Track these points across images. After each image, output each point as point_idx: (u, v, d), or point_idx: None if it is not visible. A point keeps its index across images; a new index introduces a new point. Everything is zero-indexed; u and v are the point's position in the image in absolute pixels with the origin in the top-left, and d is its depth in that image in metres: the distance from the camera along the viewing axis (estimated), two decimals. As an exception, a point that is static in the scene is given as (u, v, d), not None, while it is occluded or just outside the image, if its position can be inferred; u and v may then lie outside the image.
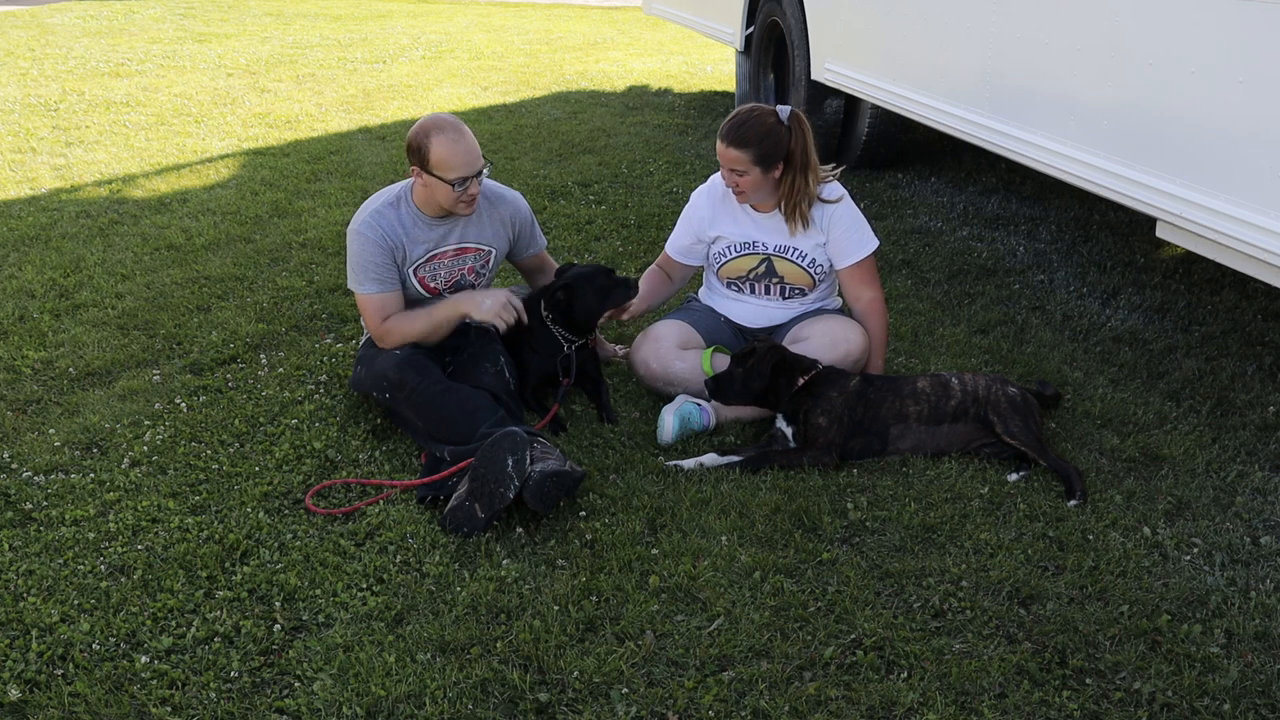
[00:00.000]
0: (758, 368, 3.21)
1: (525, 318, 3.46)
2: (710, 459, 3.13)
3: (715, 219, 3.57)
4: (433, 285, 3.47)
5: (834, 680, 2.29)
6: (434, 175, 3.26)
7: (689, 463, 3.12)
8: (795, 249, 3.52)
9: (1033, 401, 3.24)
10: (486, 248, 3.53)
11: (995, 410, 3.16)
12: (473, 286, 3.56)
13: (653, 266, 3.78)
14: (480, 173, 3.31)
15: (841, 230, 3.50)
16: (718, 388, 3.25)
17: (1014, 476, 3.03)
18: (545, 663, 2.33)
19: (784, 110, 3.40)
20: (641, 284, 3.64)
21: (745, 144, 3.32)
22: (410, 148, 3.30)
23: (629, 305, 3.54)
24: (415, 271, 3.42)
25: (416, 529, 2.82)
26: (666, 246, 3.74)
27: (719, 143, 3.37)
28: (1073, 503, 2.93)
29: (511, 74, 10.16)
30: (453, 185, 3.25)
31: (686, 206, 3.67)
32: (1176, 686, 2.27)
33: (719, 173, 3.60)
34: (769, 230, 3.53)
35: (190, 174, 6.47)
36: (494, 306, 3.38)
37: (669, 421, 3.27)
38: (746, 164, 3.34)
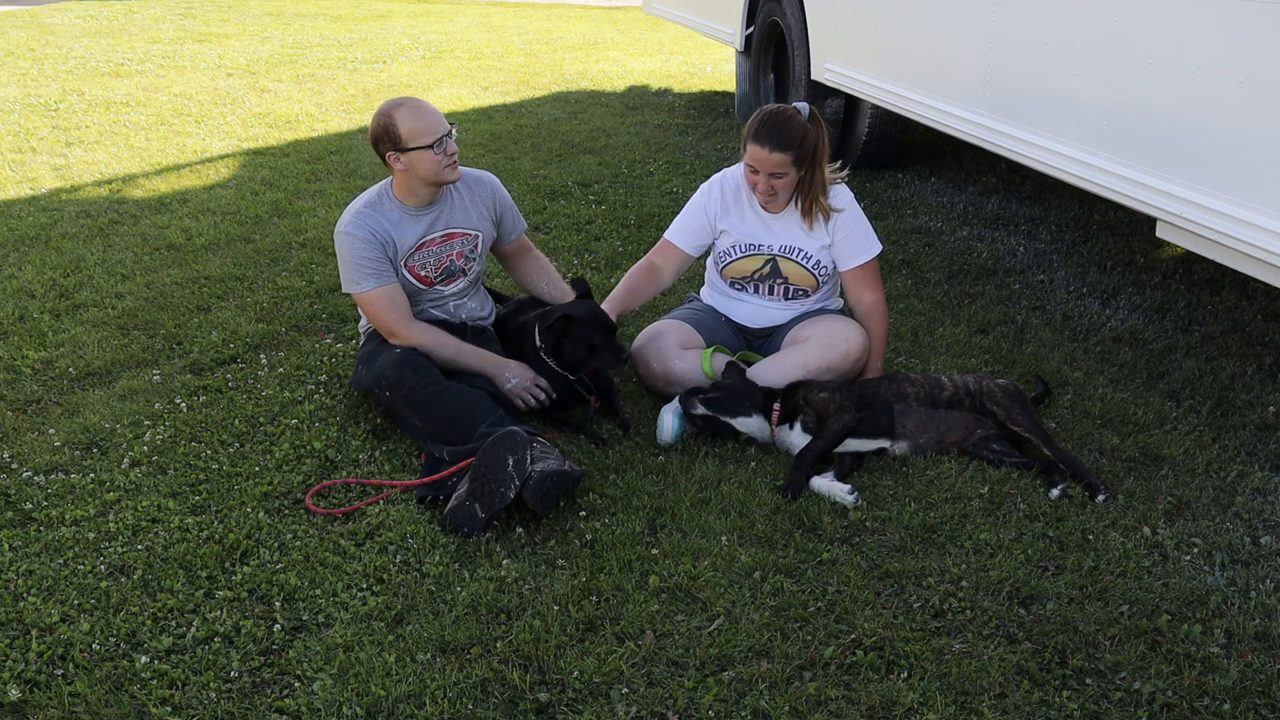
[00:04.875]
0: (732, 387, 3.24)
1: (549, 397, 3.39)
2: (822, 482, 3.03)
3: (726, 212, 3.56)
4: (423, 274, 3.47)
5: (834, 680, 2.29)
6: (411, 149, 3.28)
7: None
8: (800, 250, 3.52)
9: (1024, 392, 3.27)
10: (473, 231, 3.54)
11: (992, 400, 3.18)
12: (463, 273, 3.56)
13: (641, 263, 3.70)
14: (451, 131, 3.32)
15: (846, 233, 3.51)
16: (714, 412, 3.24)
17: (1055, 493, 2.96)
18: (545, 663, 2.33)
19: (803, 107, 3.41)
20: (623, 282, 3.63)
21: (789, 146, 3.31)
22: (376, 137, 3.33)
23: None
24: (406, 263, 3.43)
25: (416, 529, 2.82)
26: (669, 235, 3.66)
27: (757, 148, 3.32)
28: (1101, 498, 2.93)
29: (511, 74, 10.16)
30: (432, 148, 3.27)
31: (696, 195, 3.63)
32: (1176, 686, 2.27)
33: (732, 169, 3.60)
34: (776, 231, 3.53)
35: (190, 174, 6.47)
36: (519, 387, 3.36)
37: (668, 421, 3.27)
38: (788, 165, 3.34)
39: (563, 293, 3.72)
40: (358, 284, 3.37)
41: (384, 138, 3.30)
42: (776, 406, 3.23)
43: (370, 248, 3.34)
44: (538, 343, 3.45)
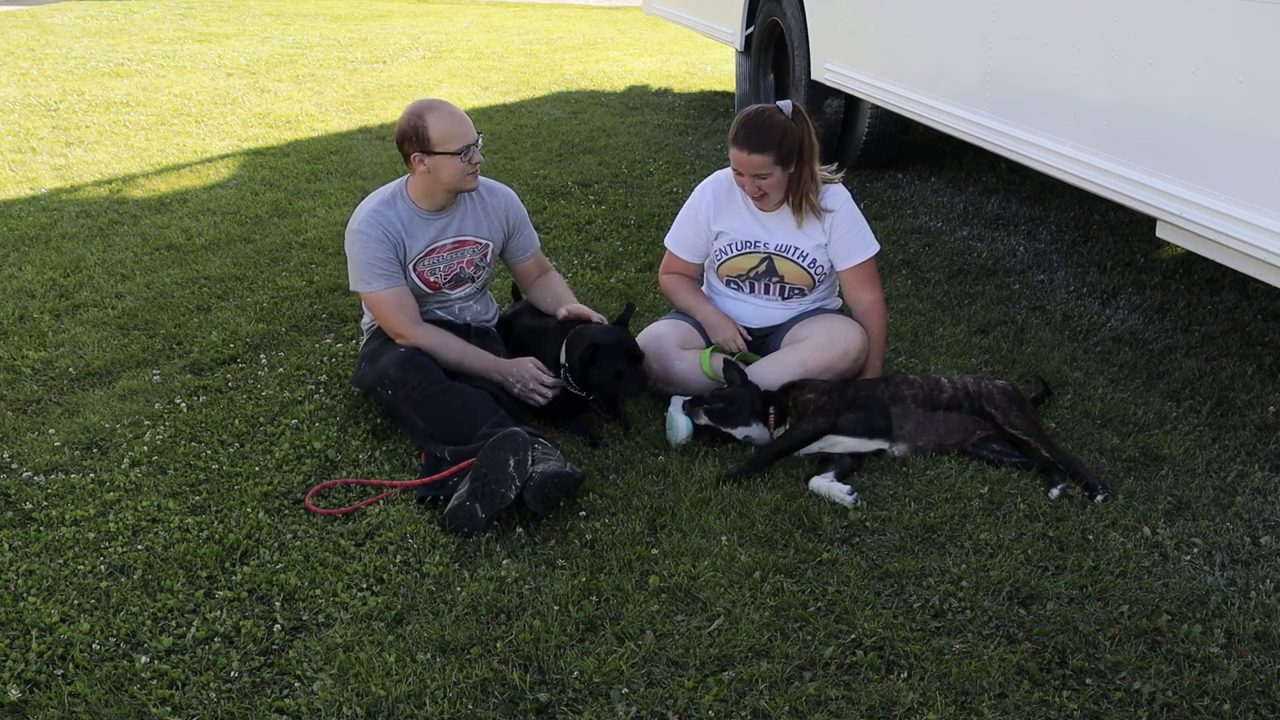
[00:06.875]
0: (732, 397, 3.25)
1: (550, 393, 3.37)
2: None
3: (720, 213, 3.57)
4: (432, 279, 3.47)
5: (834, 680, 2.29)
6: (439, 153, 3.27)
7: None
8: (796, 248, 3.52)
9: (1023, 393, 3.27)
10: (484, 240, 3.54)
11: (990, 403, 3.18)
12: (472, 280, 3.56)
13: (670, 277, 3.70)
14: (478, 140, 3.33)
15: (843, 232, 3.50)
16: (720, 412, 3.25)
17: (1055, 493, 2.96)
18: (545, 663, 2.33)
19: (785, 105, 3.41)
20: (684, 294, 3.66)
21: (767, 147, 3.31)
22: (404, 136, 3.30)
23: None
24: (415, 266, 3.43)
25: (416, 529, 2.82)
26: (675, 250, 3.67)
27: (737, 151, 3.34)
28: (1100, 498, 2.92)
29: (511, 74, 10.16)
30: (459, 156, 3.27)
31: (688, 204, 3.64)
32: (1176, 686, 2.27)
33: (724, 170, 3.60)
34: (771, 229, 3.53)
35: (190, 174, 6.47)
36: (526, 390, 3.34)
37: (682, 421, 3.25)
38: (770, 166, 3.34)
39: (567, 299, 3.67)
40: (367, 283, 3.37)
41: (412, 138, 3.28)
42: (772, 411, 3.23)
43: (383, 248, 3.34)
44: (561, 359, 3.41)
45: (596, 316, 3.54)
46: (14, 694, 2.24)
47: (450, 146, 3.26)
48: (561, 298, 3.66)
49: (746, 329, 3.64)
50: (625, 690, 2.26)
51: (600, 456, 3.20)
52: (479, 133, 3.36)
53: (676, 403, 3.33)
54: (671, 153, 7.01)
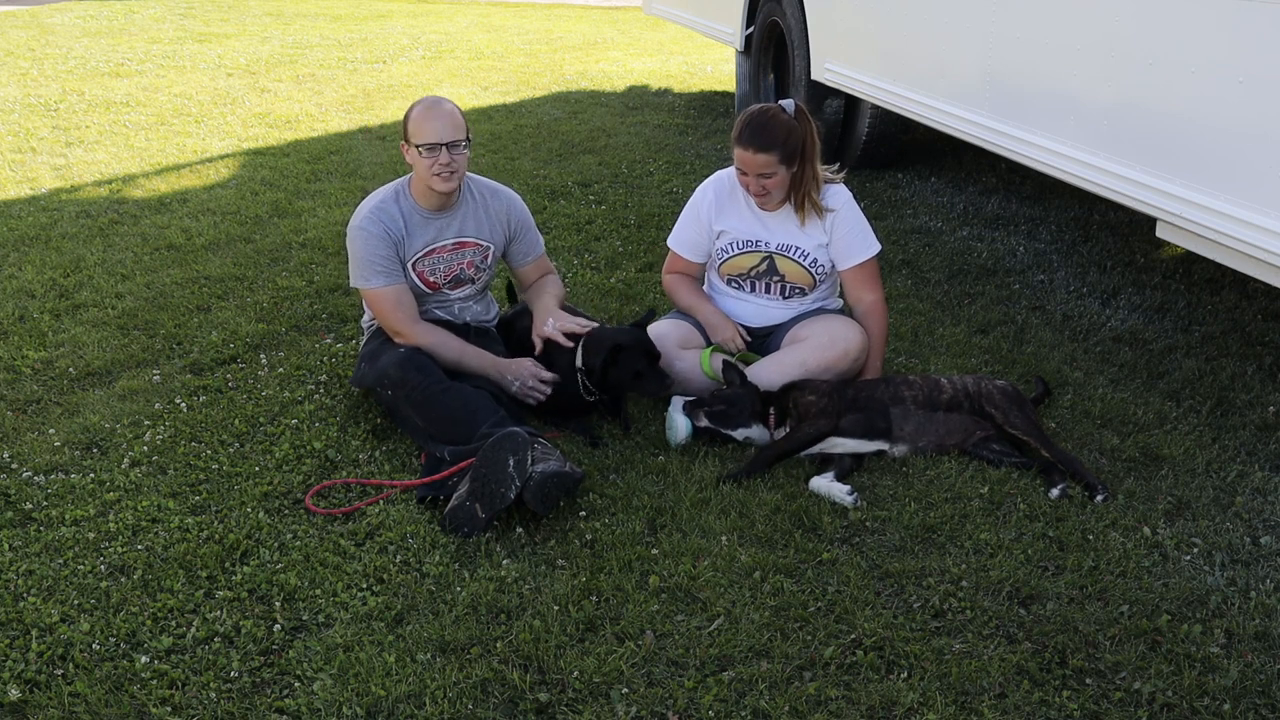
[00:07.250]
0: (732, 398, 3.25)
1: (548, 390, 3.38)
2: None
3: (722, 211, 3.57)
4: (432, 279, 3.48)
5: (834, 680, 2.29)
6: (412, 145, 3.33)
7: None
8: (797, 248, 3.52)
9: (1023, 393, 3.28)
10: (485, 243, 3.54)
11: (990, 403, 3.18)
12: (472, 281, 3.57)
13: (676, 277, 3.70)
14: (456, 144, 3.30)
15: (844, 232, 3.51)
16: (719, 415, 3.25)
17: (1055, 493, 2.95)
18: (545, 663, 2.33)
19: (788, 104, 3.42)
20: (685, 294, 3.66)
21: (772, 146, 3.32)
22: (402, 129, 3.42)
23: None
24: (414, 265, 3.43)
25: (416, 529, 2.82)
26: (677, 250, 3.68)
27: (742, 150, 3.34)
28: (1100, 498, 2.92)
29: (511, 74, 10.16)
30: (420, 150, 3.29)
31: (689, 204, 3.65)
32: (1176, 686, 2.27)
33: (726, 170, 3.60)
34: (773, 229, 3.53)
35: (190, 174, 6.47)
36: (524, 388, 3.35)
37: (681, 421, 3.26)
38: (775, 165, 3.34)
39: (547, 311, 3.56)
40: (367, 280, 3.38)
41: (403, 128, 3.39)
42: (772, 412, 3.23)
43: (384, 245, 3.36)
44: (578, 364, 3.38)
45: (578, 324, 3.46)
46: (14, 694, 2.24)
47: (417, 139, 3.31)
48: (539, 311, 3.55)
49: (747, 328, 3.64)
50: (625, 690, 2.26)
51: (600, 456, 3.20)
52: (467, 139, 3.35)
53: (676, 403, 3.33)
54: (671, 153, 7.01)
